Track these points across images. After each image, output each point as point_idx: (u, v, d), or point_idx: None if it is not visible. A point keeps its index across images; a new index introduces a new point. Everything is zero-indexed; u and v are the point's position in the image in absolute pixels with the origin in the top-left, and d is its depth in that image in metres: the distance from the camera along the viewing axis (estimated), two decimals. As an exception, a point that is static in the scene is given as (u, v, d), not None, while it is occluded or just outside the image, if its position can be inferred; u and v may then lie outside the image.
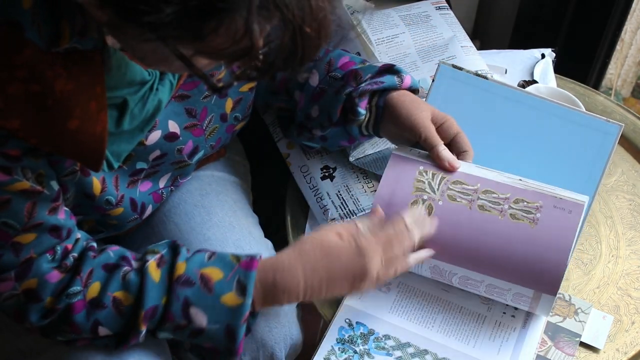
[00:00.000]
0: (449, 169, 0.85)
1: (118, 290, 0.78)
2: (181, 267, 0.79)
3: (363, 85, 0.90)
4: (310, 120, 0.96)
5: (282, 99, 1.00)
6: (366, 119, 0.92)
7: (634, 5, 1.47)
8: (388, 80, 0.91)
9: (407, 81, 0.92)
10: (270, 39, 0.57)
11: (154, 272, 0.78)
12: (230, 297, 0.77)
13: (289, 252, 0.80)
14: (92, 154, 0.70)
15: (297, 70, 0.61)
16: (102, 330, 0.79)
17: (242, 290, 0.77)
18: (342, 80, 0.92)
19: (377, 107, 0.91)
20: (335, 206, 1.00)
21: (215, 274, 0.78)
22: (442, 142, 0.87)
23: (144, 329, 0.78)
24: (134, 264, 0.81)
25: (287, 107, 1.00)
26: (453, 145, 0.88)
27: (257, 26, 0.55)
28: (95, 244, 0.83)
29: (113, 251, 0.82)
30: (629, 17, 1.49)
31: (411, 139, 0.89)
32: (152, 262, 0.79)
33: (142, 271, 0.79)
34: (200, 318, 0.78)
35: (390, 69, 0.92)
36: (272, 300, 0.79)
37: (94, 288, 0.78)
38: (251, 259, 0.79)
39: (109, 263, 0.80)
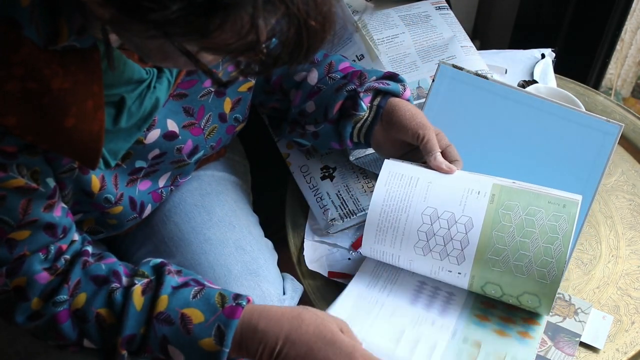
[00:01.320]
0: (446, 172, 0.86)
1: (102, 307, 0.78)
2: (163, 303, 0.77)
3: (369, 83, 0.91)
4: (304, 117, 0.96)
5: (276, 99, 1.00)
6: (364, 118, 0.92)
7: (634, 5, 1.47)
8: (393, 85, 0.92)
9: (408, 92, 0.94)
10: (275, 31, 0.57)
11: (138, 299, 0.78)
12: (208, 343, 0.76)
13: (284, 308, 0.78)
14: (88, 152, 0.70)
15: (301, 64, 0.61)
16: (87, 342, 0.79)
17: (221, 338, 0.75)
18: (345, 79, 0.93)
19: (378, 107, 0.92)
20: (335, 206, 1.00)
21: (196, 316, 0.77)
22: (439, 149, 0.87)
23: (124, 353, 0.78)
24: (124, 280, 0.80)
25: (281, 107, 1.00)
26: (445, 155, 0.89)
27: (263, 21, 0.54)
28: (90, 249, 0.83)
29: (105, 264, 0.82)
30: (629, 17, 1.49)
31: (409, 140, 0.89)
32: (138, 287, 0.79)
33: (127, 294, 0.78)
34: (177, 355, 0.77)
35: (394, 77, 0.94)
36: (246, 347, 0.76)
37: (80, 299, 0.78)
38: (236, 306, 0.77)
39: (99, 276, 0.80)
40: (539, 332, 0.86)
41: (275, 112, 1.02)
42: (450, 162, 0.88)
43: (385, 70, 0.94)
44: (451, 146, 0.89)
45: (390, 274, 0.92)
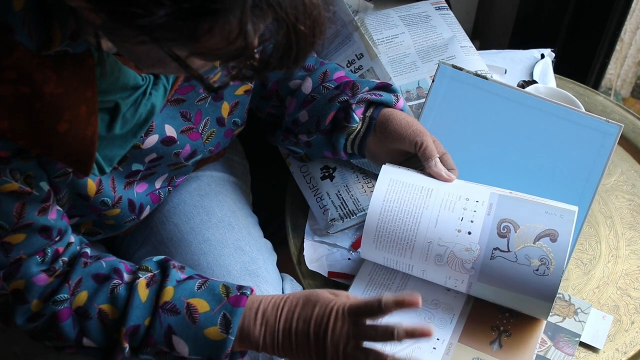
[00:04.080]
0: (446, 180, 0.86)
1: (105, 303, 0.78)
2: (169, 293, 0.78)
3: (361, 94, 0.90)
4: (297, 126, 0.95)
5: (272, 105, 0.99)
6: (356, 129, 0.92)
7: (633, 5, 1.47)
8: (386, 95, 0.92)
9: (401, 102, 0.93)
10: (265, 38, 0.57)
11: (142, 291, 0.78)
12: (213, 331, 0.76)
13: (286, 294, 0.79)
14: (81, 157, 0.70)
15: (291, 69, 0.60)
16: (86, 342, 0.79)
17: (227, 326, 0.76)
18: (338, 89, 0.92)
19: (370, 118, 0.91)
20: (335, 206, 1.00)
21: (201, 305, 0.78)
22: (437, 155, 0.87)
23: (126, 346, 0.78)
24: (126, 277, 0.80)
25: (277, 113, 1.00)
26: (441, 163, 0.88)
27: (251, 26, 0.55)
28: (89, 250, 0.83)
29: (106, 262, 0.82)
30: (628, 17, 1.49)
31: (406, 148, 0.88)
32: (142, 280, 0.79)
33: (131, 287, 0.78)
34: (182, 347, 0.77)
35: (387, 87, 0.93)
36: (248, 334, 0.77)
37: (81, 297, 0.78)
38: (241, 295, 0.78)
39: (100, 274, 0.80)
40: (538, 333, 0.86)
41: (272, 118, 1.02)
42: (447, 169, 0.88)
43: (379, 81, 0.94)
44: (447, 154, 0.89)
45: (390, 281, 0.91)
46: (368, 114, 0.92)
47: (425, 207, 0.84)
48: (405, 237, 0.84)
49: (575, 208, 0.83)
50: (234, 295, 0.78)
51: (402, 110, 0.93)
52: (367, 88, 0.92)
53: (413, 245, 0.84)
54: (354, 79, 0.93)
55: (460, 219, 0.82)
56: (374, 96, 0.91)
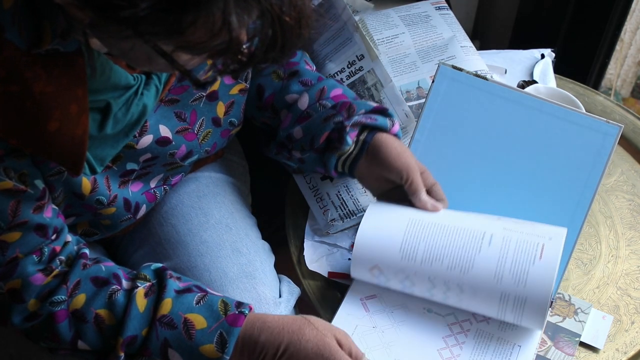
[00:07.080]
0: (433, 211, 0.87)
1: (102, 308, 0.78)
2: (167, 306, 0.78)
3: (356, 117, 0.90)
4: (291, 141, 0.95)
5: (267, 116, 0.99)
6: (348, 151, 0.91)
7: (633, 5, 1.47)
8: (381, 120, 0.91)
9: (396, 127, 0.93)
10: (253, 34, 0.57)
11: (140, 301, 0.78)
12: (209, 349, 0.76)
13: (285, 319, 0.79)
14: (72, 157, 0.70)
15: (278, 62, 0.60)
16: (81, 345, 0.79)
17: (223, 345, 0.76)
18: (333, 109, 0.92)
19: (364, 142, 0.91)
20: (335, 206, 1.00)
21: (198, 321, 0.77)
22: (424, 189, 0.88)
23: (122, 355, 0.78)
24: (125, 283, 0.80)
25: (272, 124, 0.99)
26: (430, 194, 0.89)
27: (236, 18, 0.54)
28: (87, 251, 0.83)
29: (105, 266, 0.82)
30: (628, 17, 1.49)
31: (393, 179, 0.89)
32: (140, 290, 0.79)
33: (129, 296, 0.78)
34: None
35: (383, 111, 0.92)
36: (244, 352, 0.77)
37: (79, 300, 0.78)
38: (239, 314, 0.78)
39: (99, 277, 0.80)
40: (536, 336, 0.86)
41: (267, 127, 1.01)
42: (436, 200, 0.88)
43: (375, 104, 0.93)
44: (437, 184, 0.89)
45: (390, 290, 0.91)
46: (362, 137, 0.91)
47: (421, 240, 0.84)
48: (403, 271, 0.85)
49: (564, 230, 0.83)
50: (232, 314, 0.78)
51: (396, 135, 0.92)
52: (363, 110, 0.90)
53: (413, 279, 0.85)
54: (350, 99, 0.93)
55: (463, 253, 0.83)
56: (369, 120, 0.90)
